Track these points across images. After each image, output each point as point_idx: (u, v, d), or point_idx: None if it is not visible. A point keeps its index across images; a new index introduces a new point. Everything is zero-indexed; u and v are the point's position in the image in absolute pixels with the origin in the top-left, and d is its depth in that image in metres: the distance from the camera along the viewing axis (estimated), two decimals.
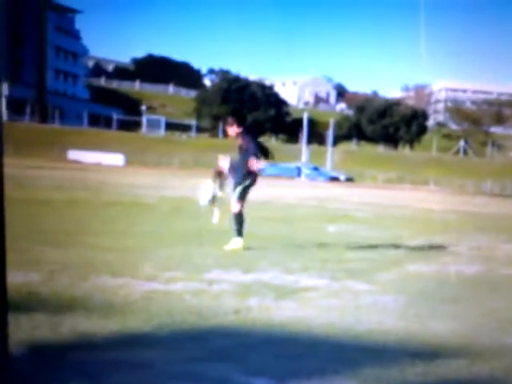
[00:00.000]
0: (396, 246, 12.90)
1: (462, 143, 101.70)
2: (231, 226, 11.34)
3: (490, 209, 33.23)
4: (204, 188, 11.73)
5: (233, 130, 11.17)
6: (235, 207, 11.26)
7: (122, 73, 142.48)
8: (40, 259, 8.61)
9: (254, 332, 5.87)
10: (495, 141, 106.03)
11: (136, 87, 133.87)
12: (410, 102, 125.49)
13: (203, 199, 11.76)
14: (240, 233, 11.14)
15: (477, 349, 5.76)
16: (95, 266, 8.38)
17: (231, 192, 11.41)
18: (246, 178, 11.17)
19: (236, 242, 11.07)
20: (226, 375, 4.72)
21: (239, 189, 11.23)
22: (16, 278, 7.31)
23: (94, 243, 10.49)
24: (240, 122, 11.24)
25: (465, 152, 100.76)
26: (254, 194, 11.97)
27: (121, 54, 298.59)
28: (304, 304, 7.06)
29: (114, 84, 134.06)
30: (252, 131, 11.78)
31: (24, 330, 5.37)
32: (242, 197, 11.22)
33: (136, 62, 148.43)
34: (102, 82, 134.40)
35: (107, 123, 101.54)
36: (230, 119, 11.31)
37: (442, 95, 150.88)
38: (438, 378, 4.95)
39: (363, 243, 13.15)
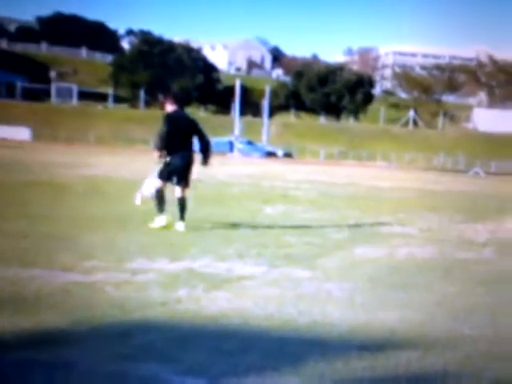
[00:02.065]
0: (340, 229, 13.10)
1: (411, 113, 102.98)
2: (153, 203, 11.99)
3: (442, 186, 33.87)
4: (148, 182, 12.31)
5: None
6: (154, 184, 12.09)
7: (25, 34, 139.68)
8: None
9: (184, 326, 5.95)
10: (447, 111, 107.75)
11: (43, 50, 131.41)
12: (354, 68, 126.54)
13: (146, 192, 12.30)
14: (161, 210, 11.83)
15: (429, 340, 5.94)
16: (4, 255, 8.33)
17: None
18: (166, 154, 11.98)
19: (159, 220, 11.75)
20: (155, 374, 4.79)
21: (159, 165, 12.03)
22: None
23: (4, 229, 10.41)
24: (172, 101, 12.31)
25: (414, 123, 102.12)
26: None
27: (24, 11, 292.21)
28: (239, 294, 7.17)
29: (17, 47, 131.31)
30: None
31: None
32: (161, 174, 11.97)
33: (42, 21, 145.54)
34: (3, 44, 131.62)
35: (10, 92, 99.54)
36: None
37: (390, 60, 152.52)
38: (387, 372, 5.10)
39: (304, 226, 13.32)
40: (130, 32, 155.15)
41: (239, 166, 44.21)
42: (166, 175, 11.96)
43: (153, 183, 12.12)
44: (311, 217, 15.12)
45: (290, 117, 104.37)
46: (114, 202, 15.25)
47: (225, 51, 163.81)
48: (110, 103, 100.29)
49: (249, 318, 6.26)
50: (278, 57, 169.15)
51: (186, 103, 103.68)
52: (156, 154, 12.02)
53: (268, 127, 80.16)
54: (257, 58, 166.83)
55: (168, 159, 11.91)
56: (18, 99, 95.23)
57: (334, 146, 76.35)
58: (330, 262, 9.44)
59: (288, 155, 72.03)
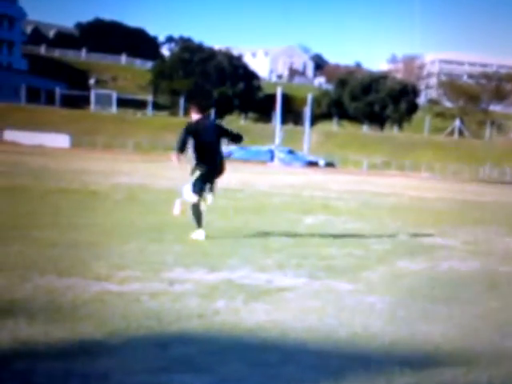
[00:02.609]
0: (382, 240, 13.02)
1: (457, 123, 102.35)
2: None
3: (488, 197, 33.57)
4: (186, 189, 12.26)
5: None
6: (190, 198, 12.00)
7: (65, 40, 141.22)
8: None
9: (222, 338, 5.92)
10: (494, 120, 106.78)
11: (82, 57, 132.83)
12: (399, 76, 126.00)
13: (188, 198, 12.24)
14: (200, 224, 11.78)
15: (473, 355, 5.87)
16: (38, 264, 8.38)
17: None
18: (198, 166, 12.01)
19: (198, 234, 11.68)
20: None
21: (192, 178, 11.99)
22: None
23: (36, 238, 10.48)
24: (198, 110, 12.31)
25: (460, 133, 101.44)
26: (221, 180, 12.18)
27: (64, 17, 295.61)
28: (279, 306, 7.14)
29: (57, 53, 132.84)
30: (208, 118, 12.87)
31: None
32: (196, 187, 11.92)
33: (82, 27, 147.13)
34: (42, 50, 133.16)
35: (49, 99, 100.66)
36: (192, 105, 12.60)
37: (435, 68, 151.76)
38: None
39: (345, 236, 13.26)
40: (170, 39, 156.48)
41: (280, 175, 44.23)
42: (200, 188, 11.97)
43: (189, 193, 12.08)
44: (353, 227, 15.06)
45: (332, 126, 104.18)
46: (150, 210, 15.31)
47: (266, 58, 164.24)
48: (150, 110, 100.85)
49: (288, 330, 6.22)
50: (320, 64, 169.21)
51: (226, 111, 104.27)
52: (175, 157, 12.02)
53: (309, 136, 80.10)
54: (299, 66, 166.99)
55: (201, 170, 11.94)
56: (57, 106, 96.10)
57: (377, 155, 76.07)
58: (372, 274, 9.37)
59: (330, 165, 71.93)
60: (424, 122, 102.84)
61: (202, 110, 12.47)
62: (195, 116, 12.19)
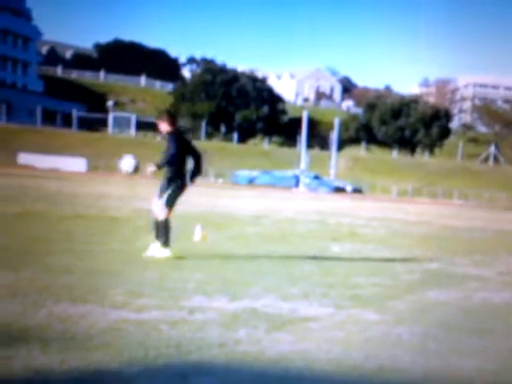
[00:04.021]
0: (411, 269, 12.99)
1: (492, 149, 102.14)
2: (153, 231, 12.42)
3: None
4: (126, 159, 12.94)
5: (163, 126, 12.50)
6: (161, 213, 12.24)
7: (82, 61, 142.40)
8: None
9: (244, 369, 5.93)
10: None
11: (100, 78, 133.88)
12: (431, 100, 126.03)
13: (125, 168, 12.94)
14: (166, 242, 12.14)
15: None
16: (52, 290, 8.44)
17: (156, 196, 12.43)
18: (172, 182, 12.25)
19: (161, 251, 12.07)
20: None
21: (167, 194, 12.20)
22: None
23: (51, 264, 10.54)
24: (172, 121, 12.56)
25: (495, 159, 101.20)
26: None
27: (81, 38, 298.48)
28: (303, 336, 7.14)
29: (74, 74, 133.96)
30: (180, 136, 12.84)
31: None
32: (169, 201, 12.20)
33: (100, 47, 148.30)
34: (59, 71, 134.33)
35: (66, 121, 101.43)
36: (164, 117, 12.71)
37: (469, 92, 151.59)
38: None
39: (373, 266, 13.24)
40: (191, 60, 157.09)
41: (305, 201, 44.23)
42: (174, 204, 12.28)
43: (163, 207, 12.28)
44: (381, 256, 15.03)
45: (361, 150, 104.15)
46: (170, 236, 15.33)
47: (292, 81, 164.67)
48: None
49: (312, 361, 6.22)
50: (348, 87, 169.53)
51: (249, 135, 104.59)
52: (152, 169, 12.07)
53: (336, 161, 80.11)
54: (326, 89, 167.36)
55: (176, 184, 12.19)
56: (74, 129, 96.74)
57: (407, 182, 75.89)
58: (400, 304, 9.35)
59: (357, 191, 71.85)
60: (457, 148, 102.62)
61: (175, 121, 12.68)
62: (167, 128, 12.35)
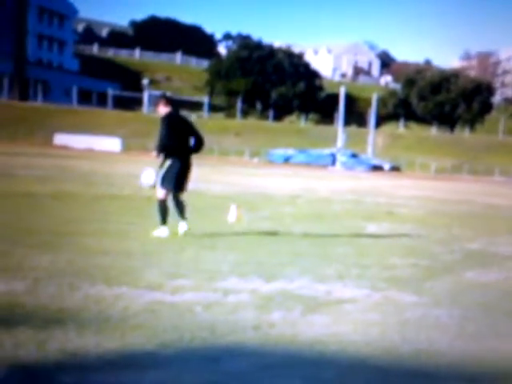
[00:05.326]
0: (450, 250, 12.94)
1: None
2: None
3: None
4: (146, 172, 13.02)
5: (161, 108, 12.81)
6: (157, 193, 12.59)
7: (118, 39, 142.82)
8: (23, 265, 8.78)
9: (278, 352, 5.97)
10: None
11: (136, 56, 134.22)
12: (472, 74, 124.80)
13: (145, 182, 13.05)
14: (164, 221, 12.36)
15: None
16: (88, 272, 8.53)
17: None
18: (164, 163, 12.51)
19: (162, 231, 12.30)
20: None
21: (160, 175, 12.50)
22: None
23: (86, 245, 10.65)
24: (166, 104, 12.82)
25: None
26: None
27: (117, 15, 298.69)
28: (338, 319, 7.16)
29: (110, 52, 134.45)
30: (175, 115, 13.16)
31: (5, 347, 5.52)
32: (163, 182, 12.45)
33: (136, 25, 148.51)
34: (95, 49, 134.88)
35: (101, 100, 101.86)
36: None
37: None
38: None
39: (410, 246, 13.21)
40: (227, 36, 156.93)
41: (341, 180, 44.12)
42: (169, 183, 12.44)
43: (150, 178, 12.70)
44: (418, 236, 14.97)
45: (399, 127, 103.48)
46: (204, 217, 15.40)
47: (329, 56, 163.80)
48: (206, 112, 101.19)
49: (348, 344, 6.24)
50: (387, 62, 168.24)
51: (285, 112, 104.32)
52: (154, 154, 12.56)
53: (374, 138, 79.68)
54: (364, 64, 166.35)
55: (169, 163, 12.41)
56: (109, 108, 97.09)
57: (447, 159, 75.32)
58: (439, 285, 9.32)
59: (395, 169, 71.45)
60: (499, 123, 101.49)
61: (171, 102, 12.95)
62: (164, 109, 12.65)
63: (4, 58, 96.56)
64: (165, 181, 12.44)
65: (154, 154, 12.55)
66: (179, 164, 12.48)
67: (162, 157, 12.51)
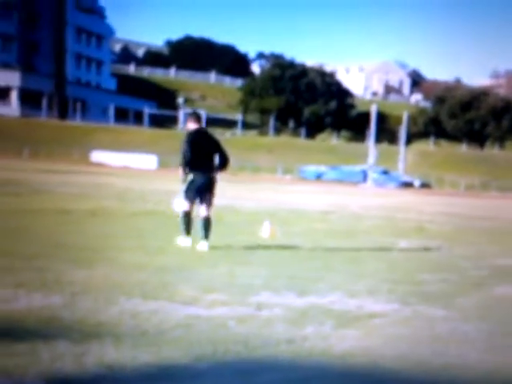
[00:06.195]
0: (479, 266, 12.86)
1: None
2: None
3: None
4: (177, 200, 13.29)
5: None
6: (182, 205, 13.01)
7: (154, 58, 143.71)
8: (61, 279, 8.84)
9: (310, 365, 5.96)
10: None
11: (171, 75, 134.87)
12: (501, 92, 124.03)
13: (177, 209, 13.32)
14: (187, 232, 12.87)
15: None
16: (124, 287, 8.58)
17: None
18: (188, 174, 12.86)
19: (184, 241, 12.82)
20: None
21: (184, 186, 12.92)
22: (34, 301, 7.55)
23: (122, 260, 10.71)
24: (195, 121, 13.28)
25: None
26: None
27: (153, 35, 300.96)
28: (369, 333, 7.15)
29: (146, 72, 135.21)
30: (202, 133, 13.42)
31: (43, 360, 5.55)
32: (186, 194, 12.85)
33: (171, 45, 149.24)
34: (131, 69, 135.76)
35: (137, 118, 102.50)
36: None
37: None
38: None
39: (440, 261, 13.15)
40: (260, 55, 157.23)
41: (373, 197, 43.99)
42: (192, 196, 12.82)
43: (181, 203, 12.95)
44: (448, 252, 14.90)
45: (429, 145, 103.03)
46: (237, 233, 15.44)
47: (360, 74, 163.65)
48: (239, 130, 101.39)
49: (378, 358, 6.22)
50: (417, 81, 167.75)
51: (317, 130, 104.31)
52: (181, 172, 12.88)
53: (405, 156, 79.44)
54: (395, 82, 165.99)
55: (191, 177, 12.73)
56: (146, 126, 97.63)
57: (476, 176, 74.87)
58: (468, 300, 9.27)
59: (425, 185, 71.17)
60: None
61: (199, 120, 13.41)
62: (193, 125, 13.06)
63: (44, 78, 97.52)
64: (187, 194, 12.79)
65: (180, 171, 12.84)
66: (201, 179, 12.74)
67: (186, 171, 12.76)
